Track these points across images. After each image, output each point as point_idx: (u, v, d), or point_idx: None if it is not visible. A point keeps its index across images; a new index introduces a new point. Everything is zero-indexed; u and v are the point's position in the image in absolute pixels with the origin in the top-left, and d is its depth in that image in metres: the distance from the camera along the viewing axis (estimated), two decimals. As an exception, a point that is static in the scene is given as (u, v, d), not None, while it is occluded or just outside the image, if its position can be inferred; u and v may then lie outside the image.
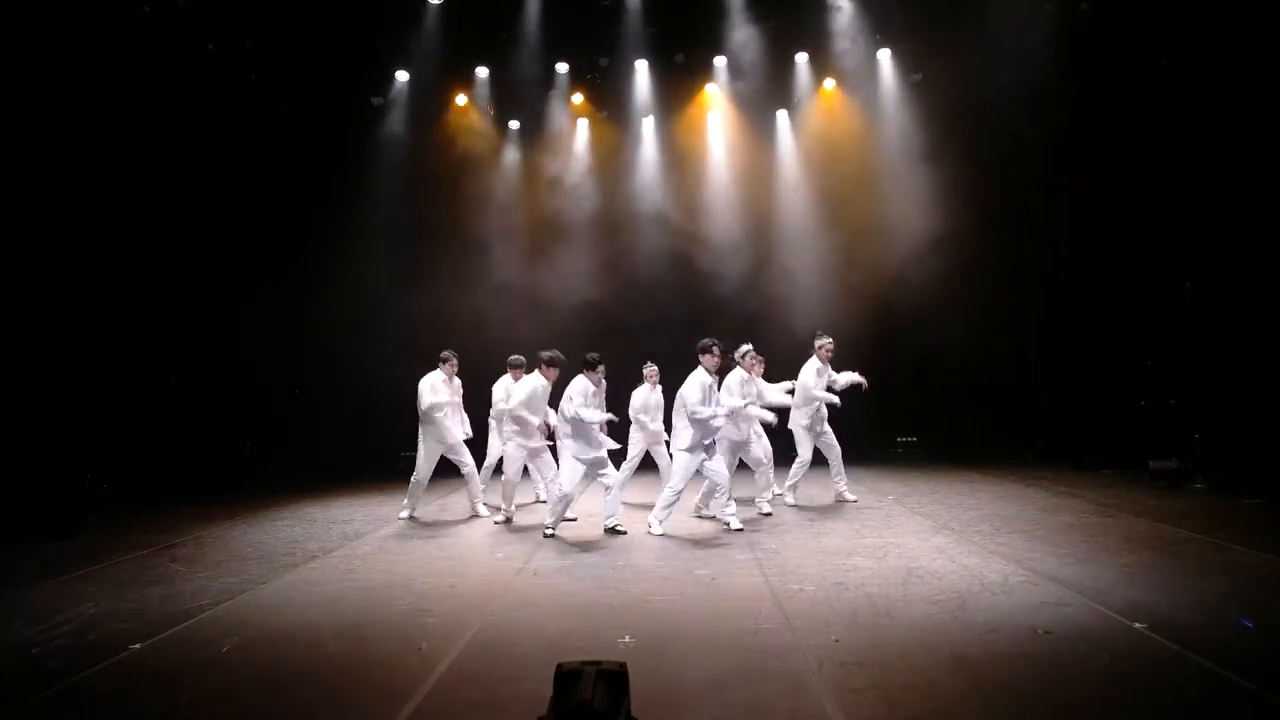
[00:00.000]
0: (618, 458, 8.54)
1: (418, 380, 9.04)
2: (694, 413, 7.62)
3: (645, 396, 9.32)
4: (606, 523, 7.89)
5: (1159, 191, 10.85)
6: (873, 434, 13.59)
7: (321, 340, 13.74)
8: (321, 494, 10.83)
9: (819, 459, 9.29)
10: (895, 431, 14.26)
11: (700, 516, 8.57)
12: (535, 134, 14.27)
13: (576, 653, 4.22)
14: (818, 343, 9.09)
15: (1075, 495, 9.17)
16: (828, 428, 9.19)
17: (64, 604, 5.71)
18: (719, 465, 7.96)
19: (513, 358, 9.42)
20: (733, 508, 7.90)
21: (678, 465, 7.91)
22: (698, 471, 7.93)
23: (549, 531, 7.81)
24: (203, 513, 9.43)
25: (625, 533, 7.80)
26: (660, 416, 9.32)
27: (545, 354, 8.16)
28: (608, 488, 7.94)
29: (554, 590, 5.87)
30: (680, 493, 7.91)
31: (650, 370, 9.32)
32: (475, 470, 9.21)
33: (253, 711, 3.94)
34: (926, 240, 12.99)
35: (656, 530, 7.82)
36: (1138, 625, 4.63)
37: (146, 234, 11.33)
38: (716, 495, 8.11)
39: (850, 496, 9.25)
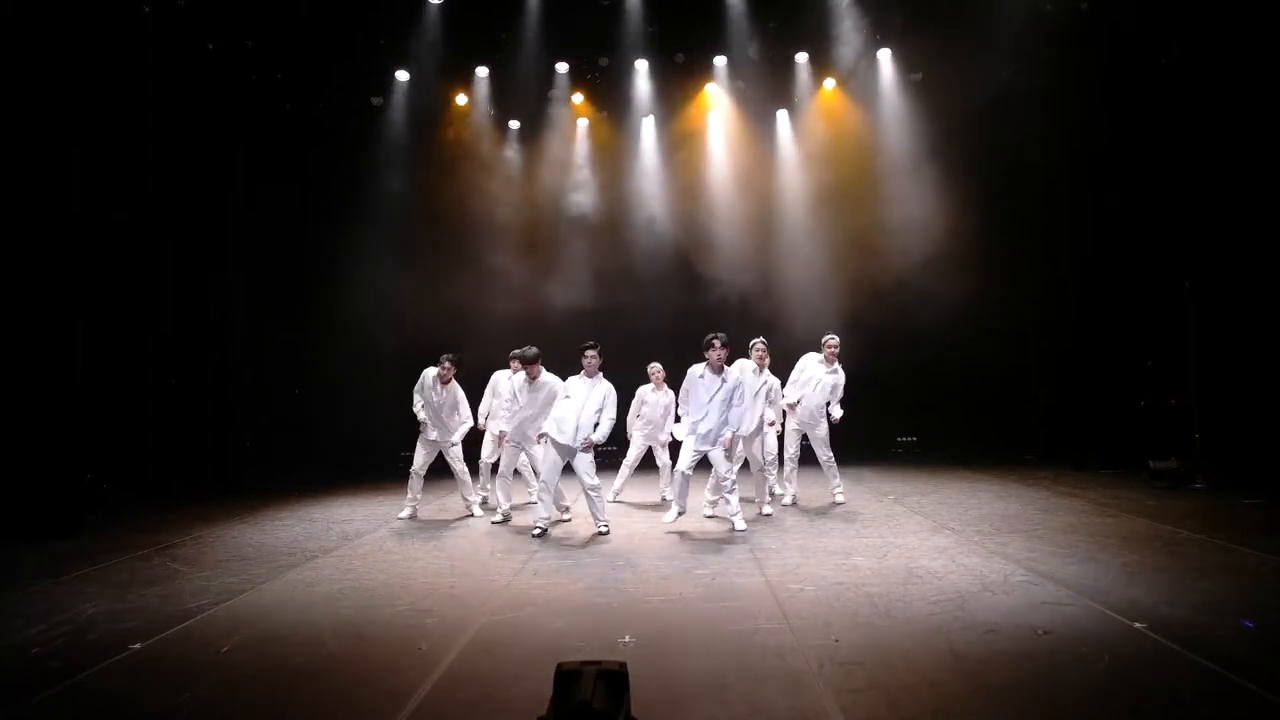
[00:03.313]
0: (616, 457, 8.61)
1: (417, 378, 9.14)
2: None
3: (650, 396, 9.68)
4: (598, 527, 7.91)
5: (1159, 191, 10.85)
6: (873, 434, 13.60)
7: (321, 340, 13.75)
8: (321, 494, 10.84)
9: (810, 458, 9.36)
10: (895, 431, 14.26)
11: (710, 517, 8.55)
12: (535, 134, 14.27)
13: (576, 653, 4.23)
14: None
15: (1075, 495, 9.17)
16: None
17: (64, 604, 5.72)
18: (719, 458, 7.93)
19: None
20: (737, 507, 7.85)
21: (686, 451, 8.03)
22: (706, 463, 7.99)
23: (536, 531, 7.81)
24: (203, 513, 9.44)
25: (607, 533, 7.80)
26: (665, 416, 9.52)
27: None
28: (589, 493, 7.89)
29: (554, 590, 5.87)
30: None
31: (655, 369, 9.68)
32: (466, 471, 9.19)
33: (253, 711, 3.94)
34: (927, 240, 13.00)
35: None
36: (1138, 625, 4.63)
37: (146, 234, 11.32)
38: (722, 492, 7.99)
39: (840, 499, 9.18)
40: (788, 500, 9.26)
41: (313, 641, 4.85)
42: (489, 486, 9.55)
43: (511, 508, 8.84)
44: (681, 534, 7.80)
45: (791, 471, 9.33)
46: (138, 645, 4.80)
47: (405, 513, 8.97)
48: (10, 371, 8.39)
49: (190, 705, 3.99)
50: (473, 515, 9.05)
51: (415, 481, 9.00)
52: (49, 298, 8.64)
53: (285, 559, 7.06)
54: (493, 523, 8.63)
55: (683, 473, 7.90)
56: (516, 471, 9.12)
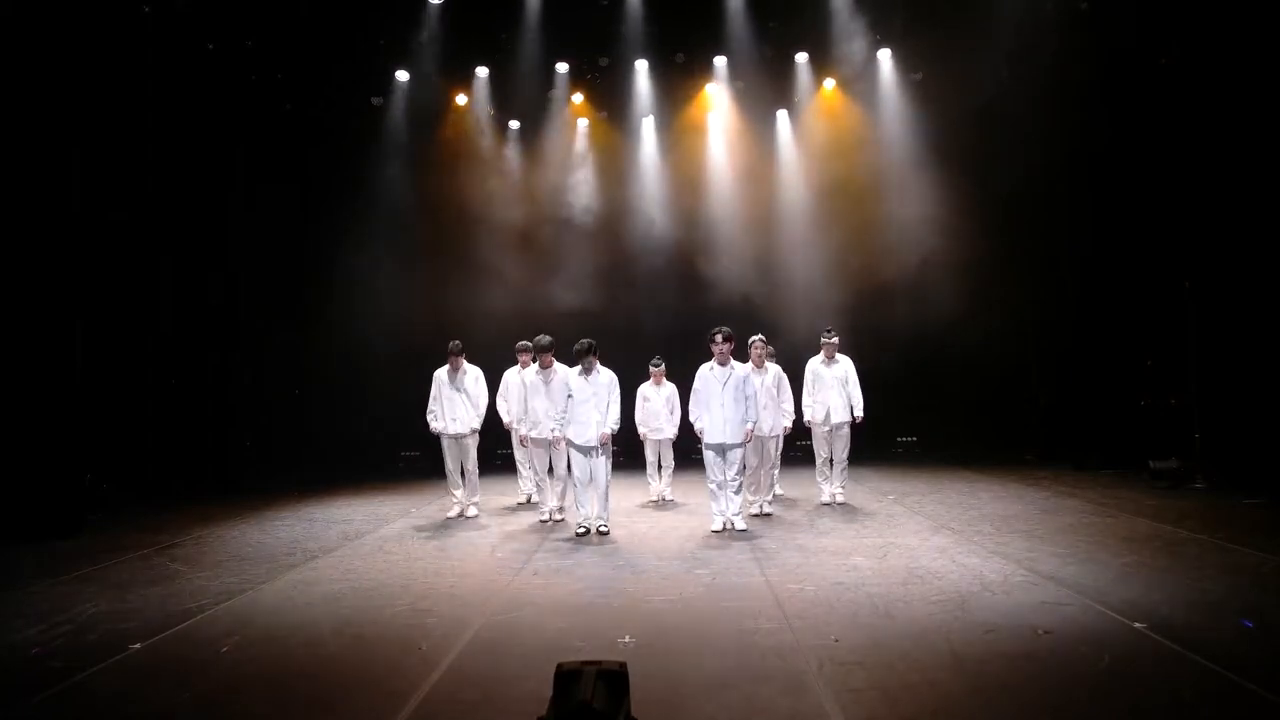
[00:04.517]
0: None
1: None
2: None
3: (650, 393, 9.72)
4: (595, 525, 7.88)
5: (1159, 191, 10.85)
6: (873, 434, 13.58)
7: (321, 340, 13.74)
8: (321, 494, 10.84)
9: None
10: (895, 431, 14.24)
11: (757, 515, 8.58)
12: (535, 134, 14.26)
13: (576, 653, 4.23)
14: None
15: (1075, 495, 9.17)
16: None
17: (64, 604, 5.72)
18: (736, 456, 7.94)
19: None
20: (739, 506, 7.87)
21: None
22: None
23: (580, 531, 7.78)
24: (203, 513, 9.44)
25: (607, 532, 7.81)
26: (667, 408, 9.62)
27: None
28: (601, 489, 7.88)
29: (554, 590, 5.87)
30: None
31: (657, 369, 9.71)
32: (475, 473, 9.18)
33: (253, 711, 3.94)
34: (927, 240, 12.99)
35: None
36: (1138, 625, 4.63)
37: (146, 234, 11.32)
38: (727, 490, 7.89)
39: (824, 499, 9.18)
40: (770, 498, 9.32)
41: (313, 641, 4.86)
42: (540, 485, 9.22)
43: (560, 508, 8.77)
44: (682, 534, 7.80)
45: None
46: (138, 645, 4.80)
47: (453, 512, 8.97)
48: (10, 371, 8.38)
49: (190, 705, 3.99)
50: (465, 516, 9.01)
51: (453, 479, 9.04)
52: (49, 298, 8.64)
53: (285, 559, 7.06)
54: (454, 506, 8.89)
55: (717, 484, 7.87)
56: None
